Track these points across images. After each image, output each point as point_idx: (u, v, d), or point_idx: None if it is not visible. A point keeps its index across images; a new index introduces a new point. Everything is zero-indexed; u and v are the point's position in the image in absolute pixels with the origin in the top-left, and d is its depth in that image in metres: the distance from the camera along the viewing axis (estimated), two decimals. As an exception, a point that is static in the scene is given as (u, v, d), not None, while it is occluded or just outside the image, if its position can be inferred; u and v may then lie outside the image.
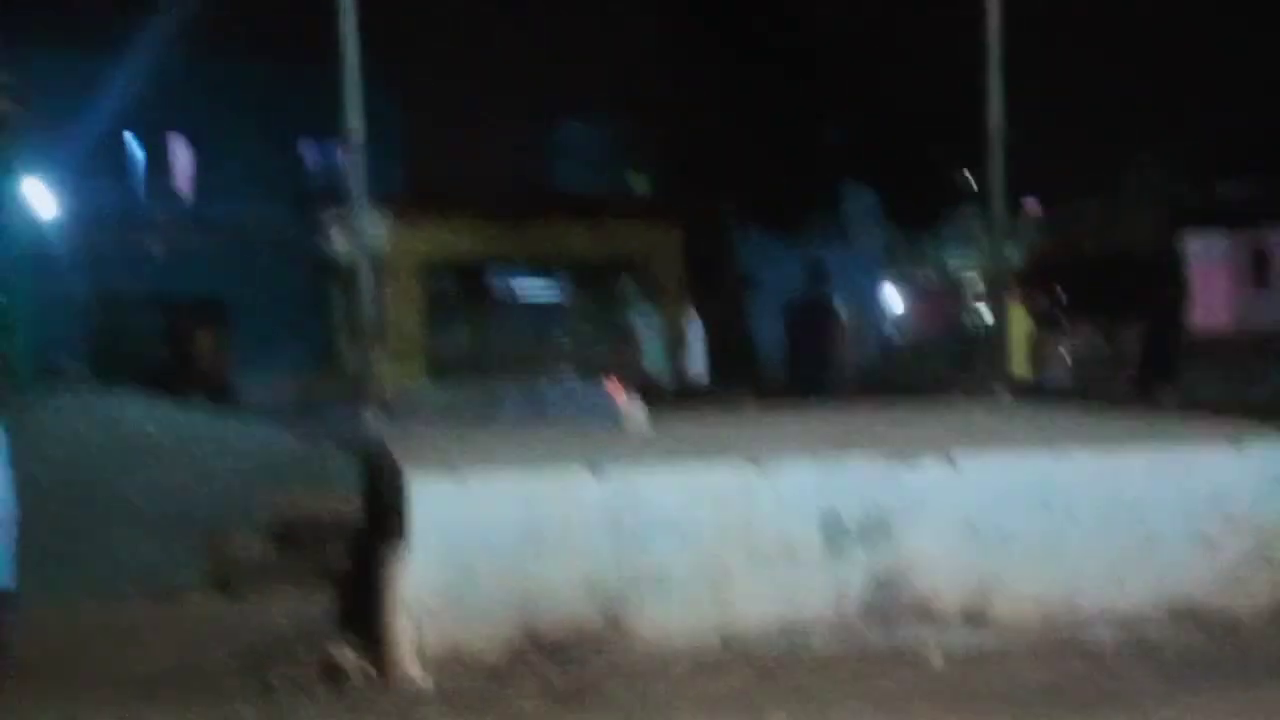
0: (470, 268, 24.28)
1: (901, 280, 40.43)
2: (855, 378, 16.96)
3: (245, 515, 7.43)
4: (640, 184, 28.59)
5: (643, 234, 22.22)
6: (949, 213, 23.90)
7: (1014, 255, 22.56)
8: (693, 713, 5.03)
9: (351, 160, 8.07)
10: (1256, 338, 24.69)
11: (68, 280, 23.53)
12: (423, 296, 22.15)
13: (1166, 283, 16.67)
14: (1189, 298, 16.24)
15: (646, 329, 14.46)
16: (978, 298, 35.18)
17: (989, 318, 14.28)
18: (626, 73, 24.04)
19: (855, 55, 19.60)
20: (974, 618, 5.83)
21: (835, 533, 5.79)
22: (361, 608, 5.76)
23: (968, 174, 21.75)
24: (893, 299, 40.64)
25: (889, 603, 5.79)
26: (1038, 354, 14.24)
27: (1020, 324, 14.61)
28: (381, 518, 6.27)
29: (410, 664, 5.36)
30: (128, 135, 29.54)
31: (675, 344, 15.06)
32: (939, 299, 39.81)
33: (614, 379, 13.27)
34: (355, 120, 7.95)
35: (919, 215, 23.34)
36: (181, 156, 30.80)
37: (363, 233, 8.21)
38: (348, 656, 5.47)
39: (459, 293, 25.57)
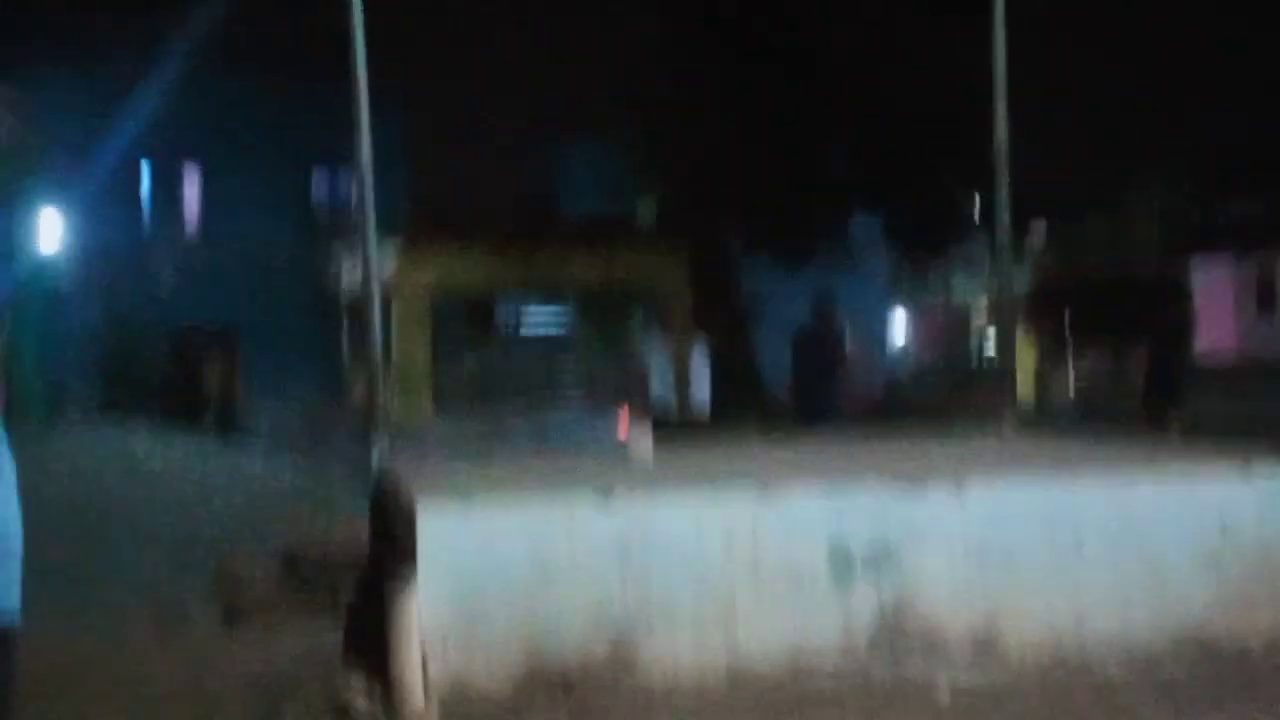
0: (476, 296, 24.33)
1: (907, 306, 40.41)
2: (862, 406, 16.95)
3: (254, 543, 7.45)
4: (646, 211, 28.64)
5: (649, 262, 22.28)
6: (955, 239, 23.92)
7: (1020, 281, 22.56)
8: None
9: (360, 192, 8.11)
10: (1262, 362, 24.69)
11: (78, 308, 23.60)
12: (429, 325, 22.20)
13: (1168, 306, 16.68)
14: (1193, 322, 16.23)
15: (654, 358, 14.46)
16: (984, 324, 35.22)
17: (995, 344, 14.30)
18: (633, 98, 24.12)
19: (862, 82, 19.67)
20: (982, 646, 5.83)
21: (843, 562, 5.79)
22: (370, 638, 5.77)
23: (974, 199, 21.83)
24: (898, 325, 40.63)
25: (896, 632, 5.79)
26: (1042, 380, 14.24)
27: (1025, 350, 14.62)
28: (390, 547, 6.28)
29: (418, 697, 5.36)
30: (137, 163, 29.65)
31: (680, 372, 15.07)
32: (945, 325, 39.78)
33: (622, 409, 13.31)
34: (364, 153, 7.98)
35: (925, 241, 23.36)
36: (191, 184, 30.91)
37: (371, 263, 8.23)
38: (356, 690, 5.47)
39: (465, 321, 25.62)
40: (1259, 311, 31.05)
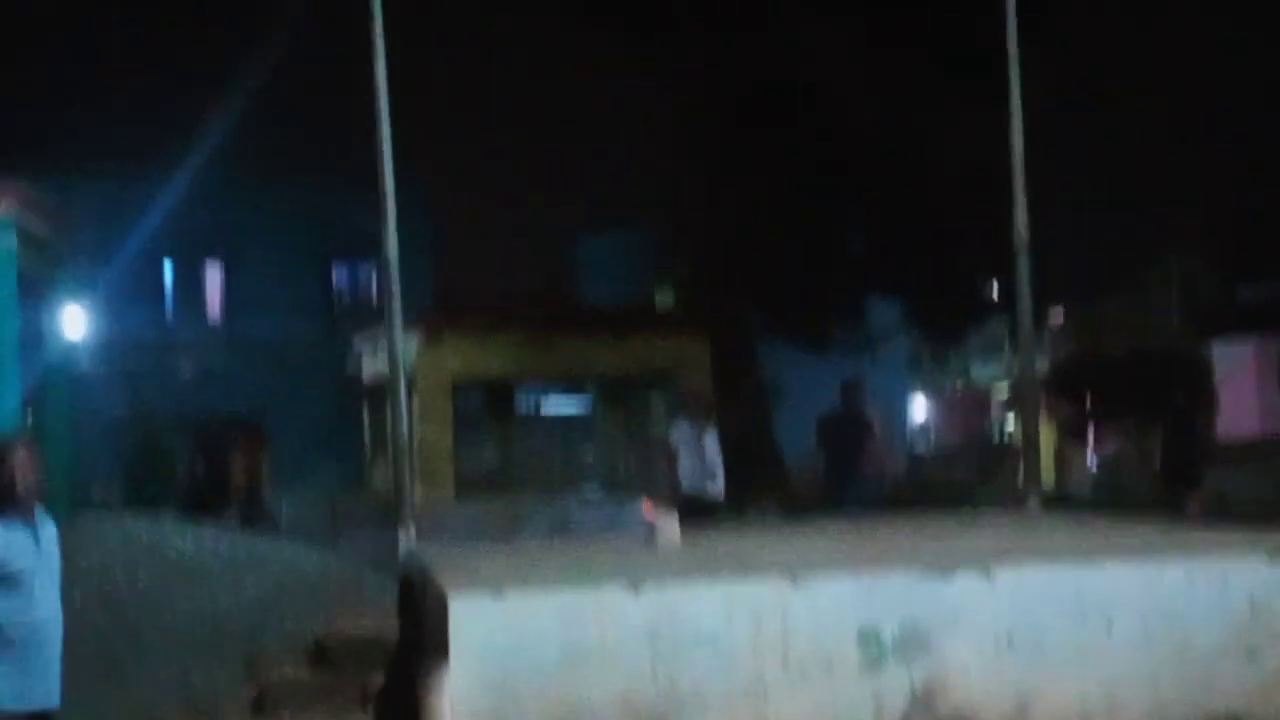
0: (498, 383, 24.39)
1: (928, 388, 40.41)
2: (886, 489, 16.93)
3: (283, 636, 7.46)
4: (666, 297, 28.81)
5: (669, 346, 22.34)
6: (975, 321, 23.97)
7: (1040, 362, 22.58)
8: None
9: (387, 285, 8.20)
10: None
11: (103, 400, 23.77)
12: (451, 413, 22.25)
13: (1185, 386, 16.65)
14: (1213, 404, 16.19)
15: (681, 443, 14.48)
16: (1005, 407, 35.17)
17: (1017, 427, 14.31)
18: (652, 186, 24.36)
19: (881, 166, 19.84)
20: (1014, 731, 5.81)
21: (873, 647, 5.79)
22: (401, 728, 5.78)
23: (993, 281, 21.91)
24: (920, 408, 40.61)
25: (928, 717, 5.77)
26: (1062, 461, 14.24)
27: (1045, 431, 14.61)
28: (419, 637, 6.30)
29: (451, 786, 5.35)
30: (161, 258, 30.01)
31: (703, 456, 15.10)
32: (966, 408, 39.74)
33: (646, 493, 13.30)
34: (392, 248, 8.09)
35: (946, 325, 23.42)
36: (213, 277, 31.22)
37: (397, 354, 8.30)
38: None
39: (486, 407, 25.68)
40: (1282, 392, 30.93)
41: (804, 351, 22.55)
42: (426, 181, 25.51)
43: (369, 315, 28.02)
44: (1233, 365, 27.89)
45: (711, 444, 14.48)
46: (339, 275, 32.00)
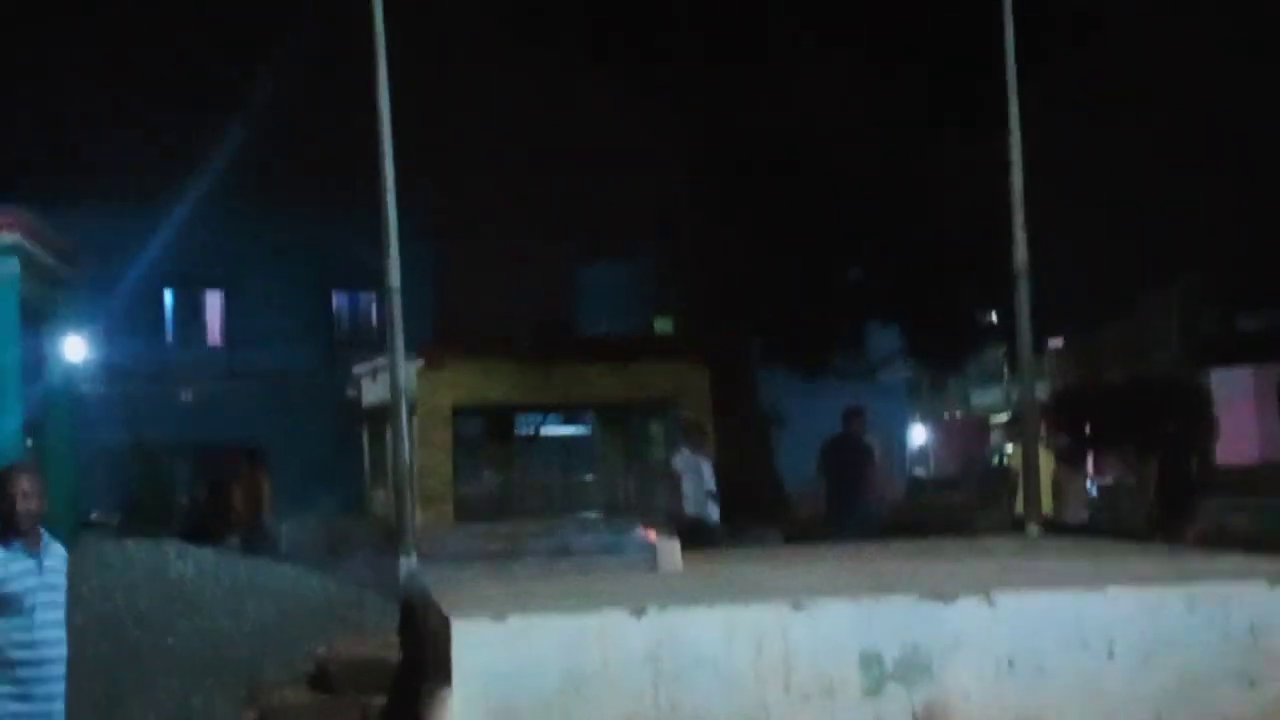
0: (498, 410, 24.43)
1: (927, 417, 40.46)
2: (886, 515, 16.96)
3: (285, 661, 7.46)
4: (666, 324, 28.86)
5: (668, 375, 22.39)
6: (973, 349, 24.02)
7: (1038, 390, 22.60)
8: None
9: (390, 312, 8.23)
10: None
11: (103, 428, 23.80)
12: (451, 440, 22.28)
13: (1179, 415, 16.69)
14: (1210, 431, 16.24)
15: (676, 468, 14.59)
16: (1004, 435, 35.17)
17: (1015, 454, 14.35)
18: (651, 215, 24.44)
19: (880, 195, 19.92)
20: (1015, 757, 5.81)
21: (874, 671, 5.80)
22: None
23: (991, 310, 21.96)
24: (918, 436, 40.65)
25: (930, 742, 5.78)
26: (1059, 491, 14.28)
27: (1043, 459, 14.62)
28: (421, 662, 6.31)
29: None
30: (162, 287, 30.09)
31: (702, 482, 15.19)
32: (964, 435, 39.77)
33: (646, 519, 13.34)
34: (395, 277, 8.11)
35: (944, 353, 23.47)
36: (214, 305, 31.30)
37: (400, 380, 8.33)
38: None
39: (487, 436, 25.71)
40: (1280, 420, 30.97)
41: (803, 379, 22.61)
42: (426, 210, 25.59)
43: (368, 343, 28.12)
44: (1232, 392, 27.95)
45: (707, 471, 14.59)
46: (338, 303, 32.08)
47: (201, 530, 15.92)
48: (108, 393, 25.43)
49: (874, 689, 5.79)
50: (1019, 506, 11.47)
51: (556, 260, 33.35)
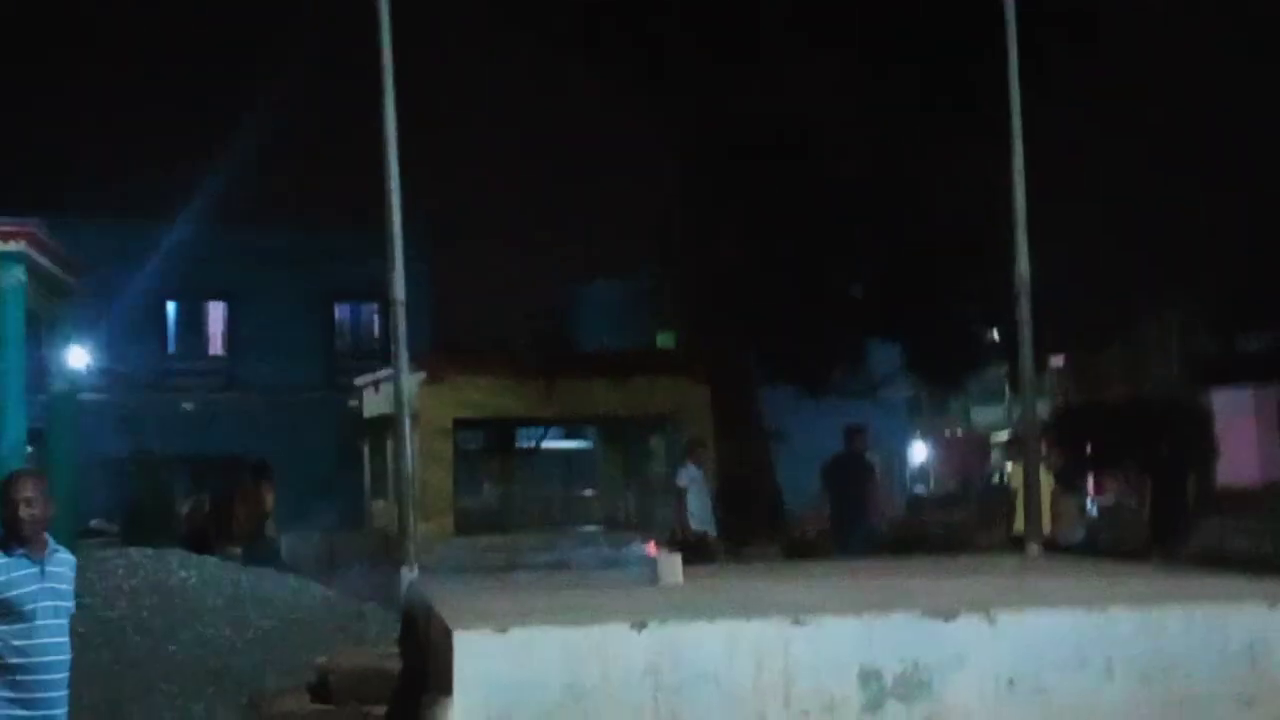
0: (499, 425, 24.44)
1: (928, 434, 40.44)
2: (886, 532, 16.98)
3: (286, 671, 7.47)
4: (667, 340, 28.90)
5: (669, 390, 22.41)
6: (976, 368, 24.02)
7: (1041, 410, 22.60)
8: None
9: (394, 326, 8.26)
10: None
11: (106, 438, 23.84)
12: (452, 453, 22.30)
13: (1182, 437, 16.71)
14: (1210, 451, 16.26)
15: (677, 483, 14.67)
16: (1004, 453, 35.14)
17: (1016, 473, 14.37)
18: (652, 230, 24.47)
19: (881, 210, 19.95)
20: (1014, 774, 5.82)
21: (874, 688, 5.81)
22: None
23: (993, 328, 21.97)
24: (919, 453, 40.64)
25: (929, 759, 5.79)
26: (1056, 511, 14.29)
27: (1043, 478, 14.64)
28: (422, 672, 6.32)
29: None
30: (164, 298, 30.14)
31: (703, 497, 15.25)
32: (965, 453, 39.75)
33: (647, 532, 13.35)
34: (400, 290, 8.14)
35: (946, 370, 23.47)
36: (216, 317, 31.34)
37: (403, 393, 8.36)
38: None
39: (488, 449, 25.72)
40: (1280, 440, 30.96)
41: (804, 396, 22.61)
42: (428, 225, 25.65)
43: (370, 355, 28.15)
44: (1233, 412, 27.96)
45: (718, 486, 14.67)
46: (340, 315, 32.11)
47: (204, 538, 15.95)
48: (109, 402, 25.46)
49: (874, 705, 5.80)
50: (1018, 525, 11.49)
51: (558, 276, 33.41)
